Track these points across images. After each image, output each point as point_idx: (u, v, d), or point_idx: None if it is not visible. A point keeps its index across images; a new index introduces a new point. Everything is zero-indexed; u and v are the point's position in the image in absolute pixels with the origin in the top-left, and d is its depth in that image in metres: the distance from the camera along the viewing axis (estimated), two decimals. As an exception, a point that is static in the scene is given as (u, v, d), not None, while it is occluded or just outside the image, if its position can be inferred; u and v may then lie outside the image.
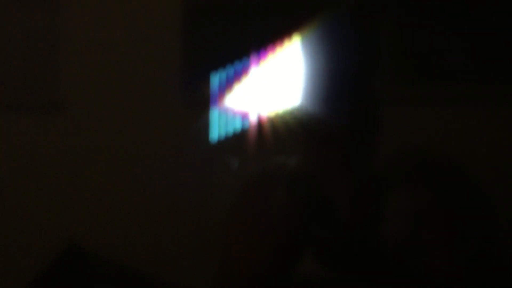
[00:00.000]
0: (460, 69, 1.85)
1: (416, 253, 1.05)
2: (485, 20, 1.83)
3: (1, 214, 2.12)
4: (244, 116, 0.96)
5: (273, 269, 1.03)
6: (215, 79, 0.96)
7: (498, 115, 1.73)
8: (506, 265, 1.07)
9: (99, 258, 1.98)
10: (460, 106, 1.77)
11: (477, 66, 1.84)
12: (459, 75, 1.85)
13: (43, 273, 1.94)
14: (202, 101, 1.04)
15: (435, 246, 1.05)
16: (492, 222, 1.11)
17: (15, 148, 2.12)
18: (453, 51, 1.86)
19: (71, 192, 2.08)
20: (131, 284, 1.95)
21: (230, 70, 0.95)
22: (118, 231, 2.02)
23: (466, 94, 1.78)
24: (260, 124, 0.96)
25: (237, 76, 0.95)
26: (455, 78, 1.85)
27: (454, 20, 1.86)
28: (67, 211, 2.07)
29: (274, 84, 0.96)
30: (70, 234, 2.02)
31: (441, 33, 1.86)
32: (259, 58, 0.95)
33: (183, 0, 1.95)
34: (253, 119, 0.96)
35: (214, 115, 0.97)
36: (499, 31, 1.82)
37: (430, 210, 1.07)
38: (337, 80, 1.08)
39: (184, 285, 1.93)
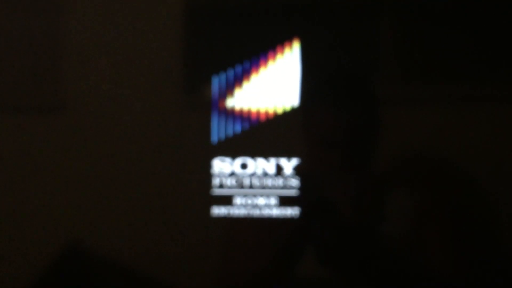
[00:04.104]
0: (460, 69, 1.85)
1: (417, 254, 1.05)
2: (486, 19, 1.83)
3: (2, 215, 2.12)
4: (246, 118, 0.96)
5: (274, 270, 1.03)
6: (217, 81, 0.96)
7: (498, 115, 1.73)
8: (506, 266, 1.08)
9: (101, 260, 1.98)
10: (460, 106, 1.77)
11: (477, 66, 1.84)
12: (460, 75, 1.85)
13: (44, 274, 1.94)
14: (203, 103, 1.04)
15: (436, 247, 1.05)
16: (492, 223, 1.12)
17: (16, 149, 2.12)
18: (453, 51, 1.86)
19: (72, 194, 2.08)
20: (133, 285, 1.95)
21: (231, 72, 0.95)
22: (119, 232, 2.02)
23: (466, 94, 1.78)
24: (261, 125, 0.97)
25: (238, 78, 0.95)
26: (455, 78, 1.85)
27: (454, 20, 1.86)
28: (69, 212, 2.07)
29: (275, 86, 0.96)
30: (71, 235, 2.03)
31: (442, 32, 1.86)
32: (260, 60, 0.95)
33: (184, 2, 1.95)
34: (254, 120, 0.96)
35: (216, 116, 0.97)
36: (499, 31, 1.83)
37: (431, 211, 1.07)
38: (338, 81, 1.08)
39: (186, 286, 1.93)
